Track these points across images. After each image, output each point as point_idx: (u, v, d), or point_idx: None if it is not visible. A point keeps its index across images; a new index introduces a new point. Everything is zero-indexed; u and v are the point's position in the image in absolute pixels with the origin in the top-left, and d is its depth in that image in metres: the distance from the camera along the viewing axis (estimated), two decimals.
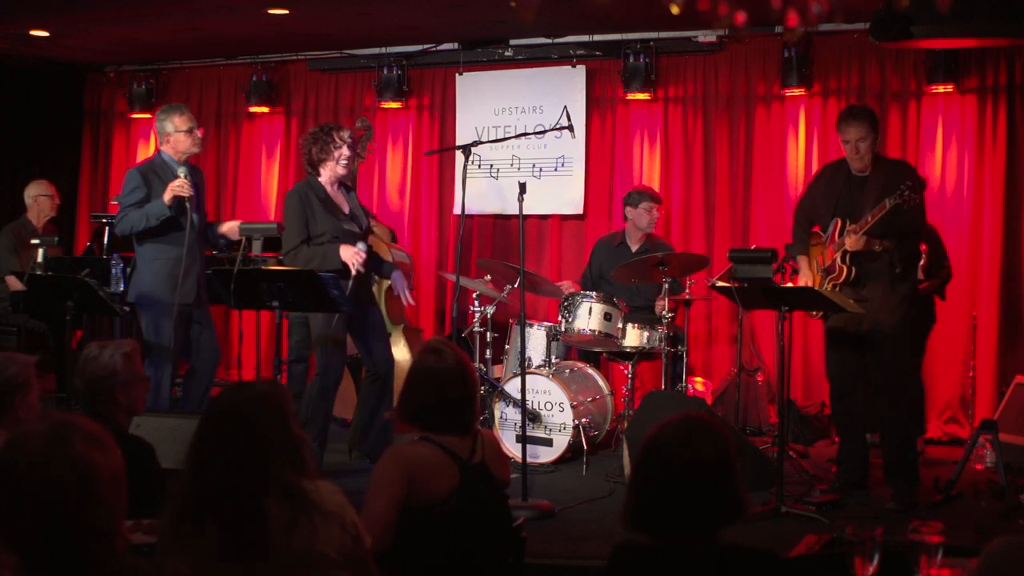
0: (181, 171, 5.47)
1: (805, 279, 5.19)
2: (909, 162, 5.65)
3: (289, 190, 5.61)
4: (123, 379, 3.48)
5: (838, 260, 5.05)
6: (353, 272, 5.24)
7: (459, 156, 6.24)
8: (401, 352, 6.76)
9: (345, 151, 5.42)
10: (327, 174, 5.43)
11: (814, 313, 5.26)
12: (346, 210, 5.48)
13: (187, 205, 5.45)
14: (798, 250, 5.31)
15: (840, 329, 5.17)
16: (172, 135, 5.57)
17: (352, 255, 5.23)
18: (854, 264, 5.03)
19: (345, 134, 5.45)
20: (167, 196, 5.39)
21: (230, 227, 5.75)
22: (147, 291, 5.55)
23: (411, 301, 5.85)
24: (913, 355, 5.53)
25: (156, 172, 5.55)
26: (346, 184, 5.62)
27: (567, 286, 6.58)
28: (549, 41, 7.58)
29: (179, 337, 5.52)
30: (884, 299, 5.02)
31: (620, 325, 6.13)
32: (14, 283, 6.87)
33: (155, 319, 5.53)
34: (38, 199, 7.41)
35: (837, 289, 5.05)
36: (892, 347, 5.05)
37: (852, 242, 4.92)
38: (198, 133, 5.65)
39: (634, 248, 6.68)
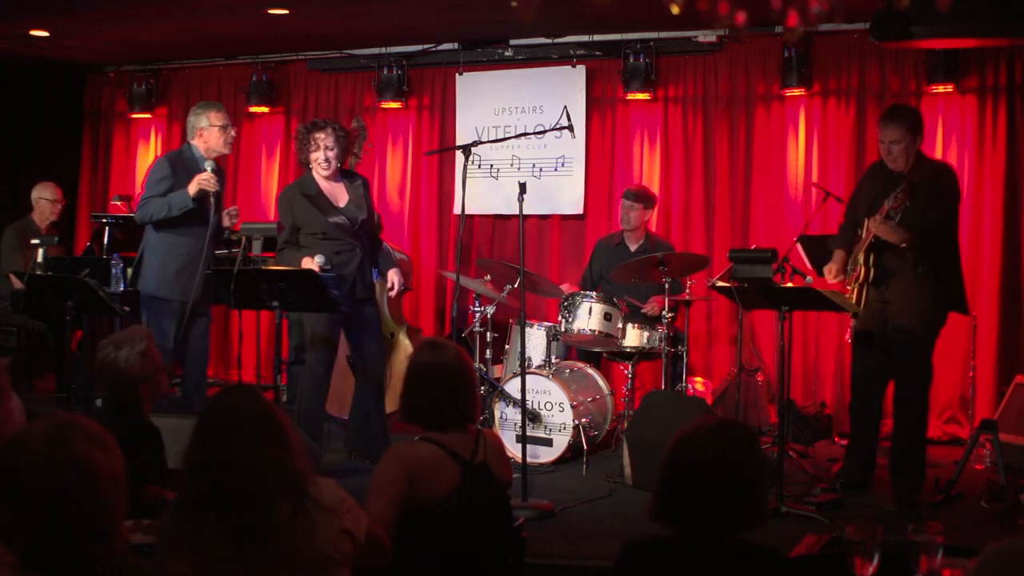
0: (208, 165, 5.46)
1: (834, 267, 5.14)
2: (951, 166, 5.56)
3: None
4: (142, 376, 3.57)
5: (860, 260, 5.04)
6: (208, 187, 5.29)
7: (459, 156, 6.24)
8: (405, 352, 6.76)
9: (321, 155, 5.41)
10: (317, 168, 5.48)
11: (853, 315, 5.22)
12: (341, 203, 5.49)
13: (211, 200, 5.45)
14: (837, 244, 5.29)
15: (866, 331, 5.16)
16: (206, 130, 5.54)
17: (308, 266, 5.23)
18: (874, 265, 5.02)
19: (322, 135, 5.41)
20: (192, 188, 5.38)
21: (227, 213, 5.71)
22: (152, 290, 5.57)
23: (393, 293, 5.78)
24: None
25: (184, 164, 5.53)
26: (351, 173, 5.64)
27: (566, 288, 6.59)
28: (549, 41, 7.58)
29: (180, 336, 5.55)
30: (908, 302, 4.99)
31: (620, 325, 6.13)
32: (15, 281, 6.88)
33: (157, 319, 5.53)
34: (39, 202, 7.42)
35: (863, 289, 5.03)
36: (913, 350, 5.04)
37: (874, 224, 4.88)
38: (231, 132, 5.63)
39: (633, 248, 6.68)
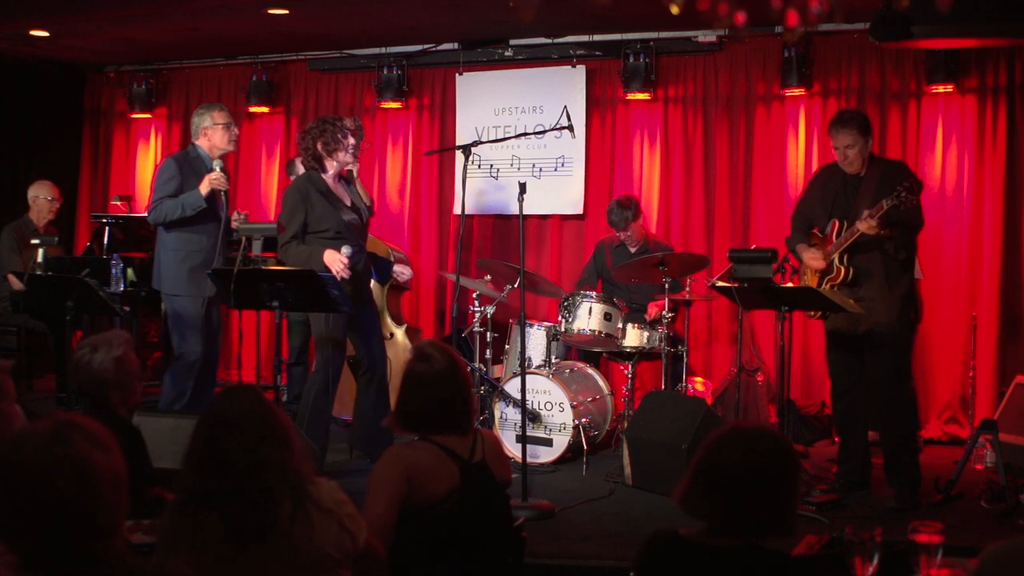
0: (217, 164, 5.60)
1: (813, 258, 5.16)
2: (906, 163, 5.64)
3: (289, 185, 5.60)
4: (116, 382, 3.49)
5: (835, 261, 5.07)
6: (337, 278, 5.12)
7: (459, 156, 6.24)
8: (404, 352, 6.76)
9: (352, 140, 5.44)
10: (334, 166, 5.41)
11: (811, 314, 5.27)
12: (347, 202, 5.48)
13: (223, 198, 5.60)
14: (798, 239, 5.30)
15: (839, 331, 5.18)
16: (210, 128, 5.68)
17: (333, 261, 5.14)
18: (851, 264, 5.05)
19: (348, 122, 5.50)
20: (204, 188, 5.50)
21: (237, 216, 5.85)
22: (170, 289, 5.61)
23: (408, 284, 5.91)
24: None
25: (190, 164, 5.65)
26: (344, 177, 5.63)
27: None
28: (549, 41, 7.58)
29: (206, 333, 5.61)
30: (881, 299, 5.03)
31: (620, 325, 6.14)
32: (15, 282, 6.88)
33: (182, 330, 5.60)
34: (36, 201, 7.42)
35: (835, 290, 5.05)
36: (890, 347, 5.05)
37: (867, 226, 4.89)
38: (235, 130, 5.75)
39: (633, 249, 6.68)
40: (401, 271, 5.76)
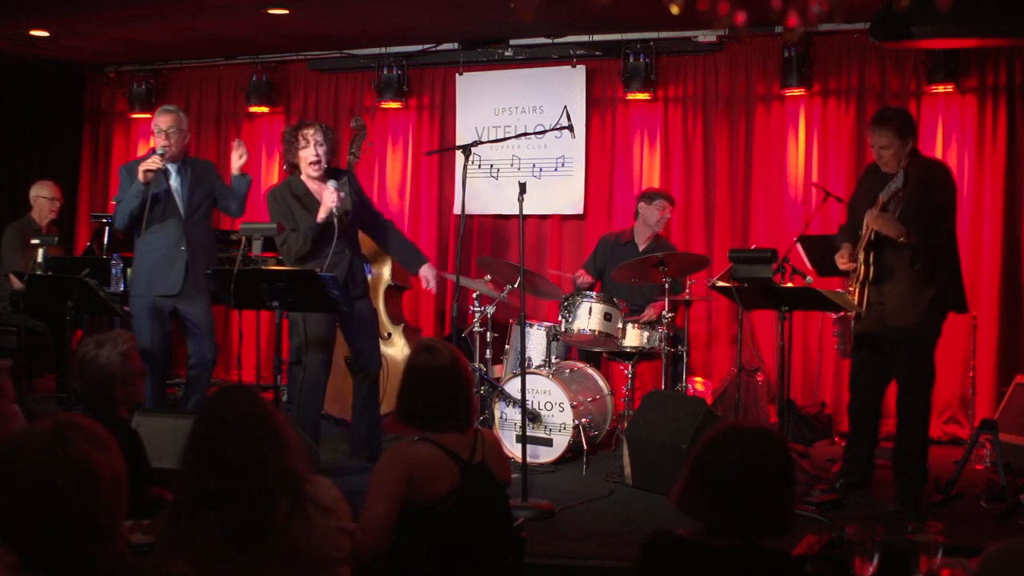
0: (160, 150, 5.59)
1: (845, 253, 5.13)
2: (944, 163, 5.56)
3: (267, 192, 5.72)
4: (122, 378, 3.50)
5: (860, 258, 5.03)
6: (333, 208, 5.28)
7: (459, 156, 6.24)
8: (401, 351, 6.77)
9: (310, 153, 5.44)
10: (305, 168, 5.50)
11: (852, 315, 5.24)
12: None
13: (184, 191, 5.64)
14: (842, 238, 5.27)
15: (866, 332, 5.15)
16: (153, 132, 5.77)
17: (328, 197, 5.30)
18: (874, 264, 5.01)
19: (311, 131, 5.46)
20: (140, 175, 5.52)
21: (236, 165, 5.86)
22: (132, 290, 5.77)
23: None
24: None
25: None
26: (335, 170, 5.63)
27: (579, 278, 6.60)
28: (549, 41, 7.58)
29: (161, 332, 5.61)
30: (904, 302, 4.98)
31: (620, 325, 6.14)
32: (15, 281, 6.88)
33: (136, 320, 5.65)
34: (37, 200, 7.43)
35: (865, 289, 5.02)
36: (910, 350, 5.02)
37: (871, 218, 4.87)
38: (174, 137, 5.68)
39: (642, 247, 6.68)
40: (426, 279, 5.82)
